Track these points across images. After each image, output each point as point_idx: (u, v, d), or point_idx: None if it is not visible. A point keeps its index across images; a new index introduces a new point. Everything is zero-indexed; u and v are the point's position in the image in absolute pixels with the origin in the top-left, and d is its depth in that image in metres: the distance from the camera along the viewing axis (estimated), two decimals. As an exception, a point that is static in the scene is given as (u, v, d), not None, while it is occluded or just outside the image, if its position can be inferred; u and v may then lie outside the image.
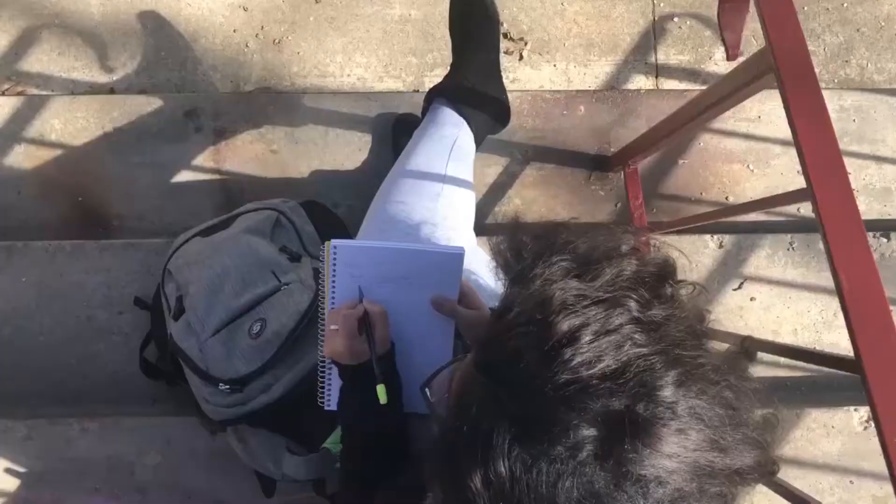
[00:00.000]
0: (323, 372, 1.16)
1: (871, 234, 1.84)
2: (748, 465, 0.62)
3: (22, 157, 1.94)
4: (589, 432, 0.57)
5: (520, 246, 0.71)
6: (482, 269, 1.37)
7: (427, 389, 0.79)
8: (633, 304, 0.62)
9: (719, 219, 1.49)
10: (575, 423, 0.57)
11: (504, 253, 0.72)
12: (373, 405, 1.00)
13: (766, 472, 0.65)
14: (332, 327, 1.04)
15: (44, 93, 2.08)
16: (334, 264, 1.07)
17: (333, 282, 1.09)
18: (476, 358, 0.67)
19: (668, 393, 0.58)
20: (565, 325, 0.60)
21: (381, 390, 0.99)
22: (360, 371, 1.03)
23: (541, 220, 1.98)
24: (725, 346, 0.65)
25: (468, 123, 1.51)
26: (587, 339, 0.59)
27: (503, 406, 0.61)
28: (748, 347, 0.68)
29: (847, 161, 0.99)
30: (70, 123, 1.95)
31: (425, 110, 1.59)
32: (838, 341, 1.81)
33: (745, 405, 0.64)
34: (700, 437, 0.59)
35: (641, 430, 0.57)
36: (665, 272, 0.68)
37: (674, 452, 0.57)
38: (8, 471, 1.61)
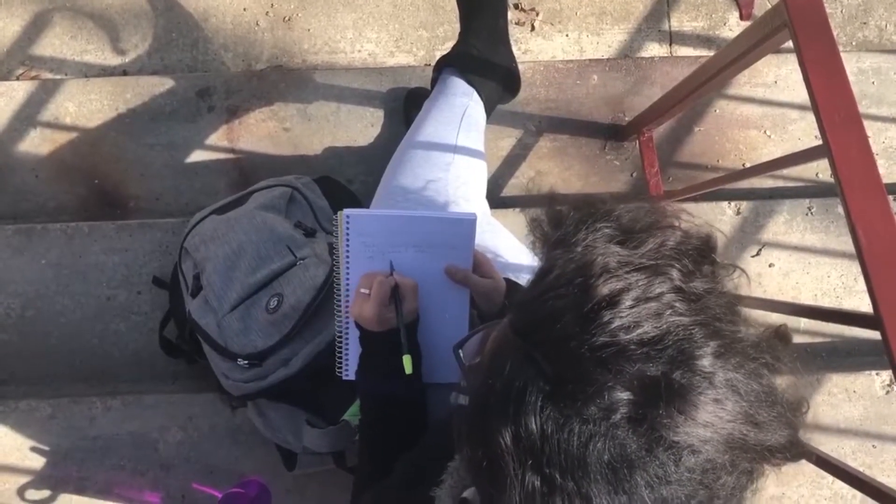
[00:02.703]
0: (340, 342, 1.16)
1: (892, 197, 1.82)
2: (780, 444, 0.61)
3: (38, 141, 1.96)
4: (624, 395, 0.57)
5: (558, 215, 0.70)
6: (498, 243, 1.37)
7: (460, 351, 0.79)
8: (675, 274, 0.61)
9: (734, 182, 1.47)
10: (610, 385, 0.57)
11: (542, 224, 0.71)
12: (392, 373, 1.01)
13: (795, 455, 0.64)
14: (363, 290, 1.04)
15: (57, 77, 2.09)
16: (347, 234, 1.08)
17: (347, 251, 1.09)
18: (512, 318, 0.66)
19: (706, 363, 0.58)
20: (606, 288, 0.59)
21: (406, 361, 1.00)
22: (382, 338, 1.04)
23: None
24: (755, 316, 0.65)
25: (478, 92, 1.50)
26: (627, 304, 0.58)
27: (538, 366, 0.60)
28: (783, 330, 0.67)
29: (867, 124, 0.97)
30: (84, 106, 1.96)
31: (434, 81, 1.58)
32: (859, 306, 1.80)
33: (779, 385, 0.63)
34: (736, 408, 0.58)
35: (677, 396, 0.56)
36: (707, 247, 0.67)
37: (709, 422, 0.57)
38: (33, 449, 1.64)
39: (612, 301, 0.59)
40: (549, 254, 0.68)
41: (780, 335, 0.67)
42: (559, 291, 0.62)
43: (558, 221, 0.70)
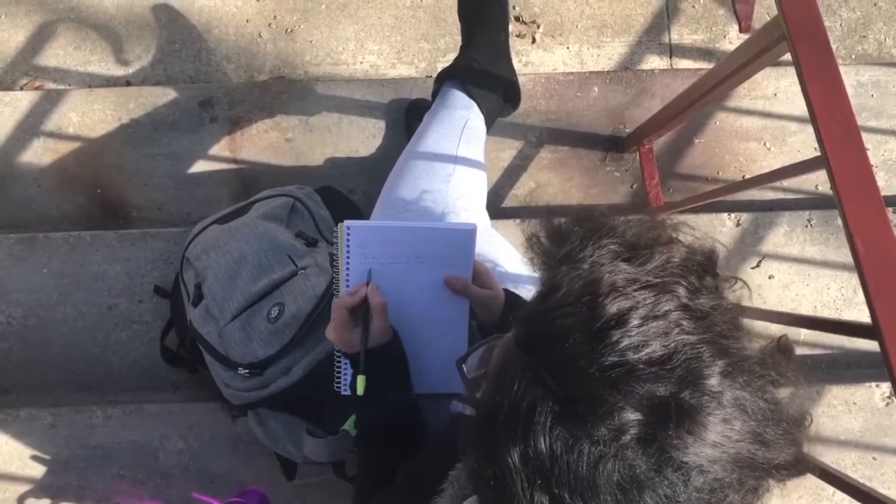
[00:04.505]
0: (339, 357, 1.16)
1: (890, 209, 1.82)
2: (786, 461, 0.61)
3: (41, 151, 1.97)
4: (633, 416, 0.57)
5: (558, 230, 0.70)
6: (498, 254, 1.38)
7: (463, 365, 0.79)
8: (681, 291, 0.61)
9: (734, 193, 1.48)
10: (620, 406, 0.57)
11: (540, 238, 0.71)
12: (379, 395, 1.01)
13: (800, 470, 0.64)
14: (333, 315, 1.04)
15: (61, 87, 2.11)
16: (348, 245, 1.08)
17: (347, 263, 1.09)
18: (518, 335, 0.66)
19: (714, 382, 0.58)
20: (614, 307, 0.59)
21: (360, 381, 0.99)
22: (356, 360, 1.03)
23: (556, 205, 1.98)
24: (757, 327, 0.65)
25: (478, 105, 1.51)
26: (635, 322, 0.58)
27: (546, 385, 0.60)
28: (785, 343, 0.67)
29: (866, 136, 0.97)
30: (87, 116, 1.97)
31: (436, 93, 1.59)
32: (859, 318, 1.79)
33: (785, 401, 0.63)
34: (744, 428, 0.58)
35: (687, 417, 0.56)
36: (711, 262, 0.67)
37: (717, 442, 0.57)
38: (34, 458, 1.64)
39: (621, 320, 0.59)
40: (555, 270, 0.68)
41: (783, 348, 0.67)
42: (567, 310, 0.62)
43: (559, 236, 0.70)
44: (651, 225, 0.69)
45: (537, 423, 0.59)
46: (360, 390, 0.99)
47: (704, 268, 0.66)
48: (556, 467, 0.59)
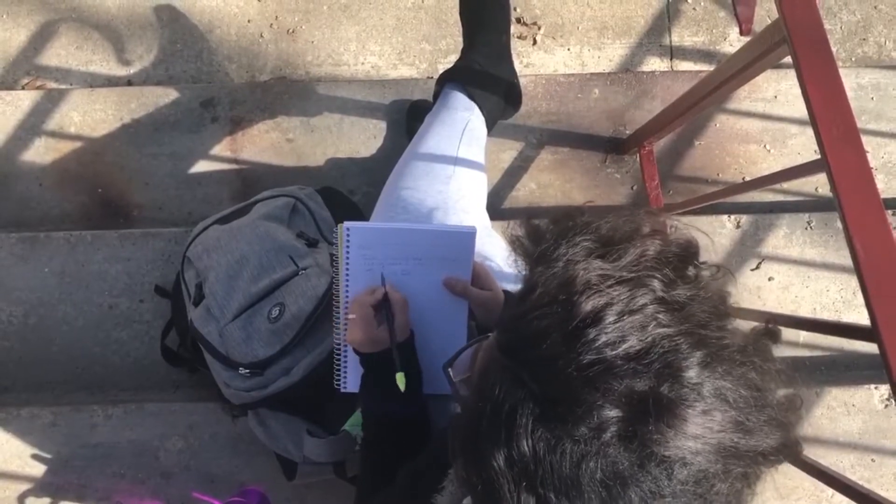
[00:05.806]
0: (339, 355, 1.17)
1: (889, 211, 1.83)
2: (772, 447, 0.62)
3: (42, 150, 1.97)
4: (613, 413, 0.57)
5: (537, 230, 0.71)
6: (496, 252, 1.38)
7: (449, 369, 0.79)
8: (657, 284, 0.61)
9: (733, 195, 1.48)
10: (599, 404, 0.57)
11: (522, 240, 0.71)
12: (394, 394, 1.01)
13: (790, 454, 0.64)
14: (351, 316, 1.05)
15: (62, 86, 2.11)
16: (348, 246, 1.08)
17: (347, 264, 1.10)
18: (498, 338, 0.66)
19: (692, 374, 0.58)
20: (589, 305, 0.60)
21: (399, 378, 1.00)
22: (379, 359, 1.04)
23: (556, 206, 1.98)
24: (749, 325, 0.65)
25: (479, 107, 1.51)
26: (611, 319, 0.59)
27: (526, 387, 0.61)
28: (772, 328, 0.67)
29: (865, 139, 0.97)
30: (89, 116, 1.98)
31: (437, 95, 1.59)
32: (858, 320, 1.80)
33: (770, 386, 0.63)
34: (725, 418, 0.59)
35: (666, 411, 0.57)
36: (688, 253, 0.67)
37: (698, 434, 0.57)
38: (34, 457, 1.64)
39: (596, 317, 0.59)
40: (532, 270, 0.68)
41: (769, 333, 0.67)
42: (543, 310, 0.62)
43: (537, 236, 0.70)
44: (627, 219, 0.69)
45: (519, 426, 0.60)
46: (401, 386, 1.00)
47: (681, 258, 0.66)
48: (540, 468, 0.59)
